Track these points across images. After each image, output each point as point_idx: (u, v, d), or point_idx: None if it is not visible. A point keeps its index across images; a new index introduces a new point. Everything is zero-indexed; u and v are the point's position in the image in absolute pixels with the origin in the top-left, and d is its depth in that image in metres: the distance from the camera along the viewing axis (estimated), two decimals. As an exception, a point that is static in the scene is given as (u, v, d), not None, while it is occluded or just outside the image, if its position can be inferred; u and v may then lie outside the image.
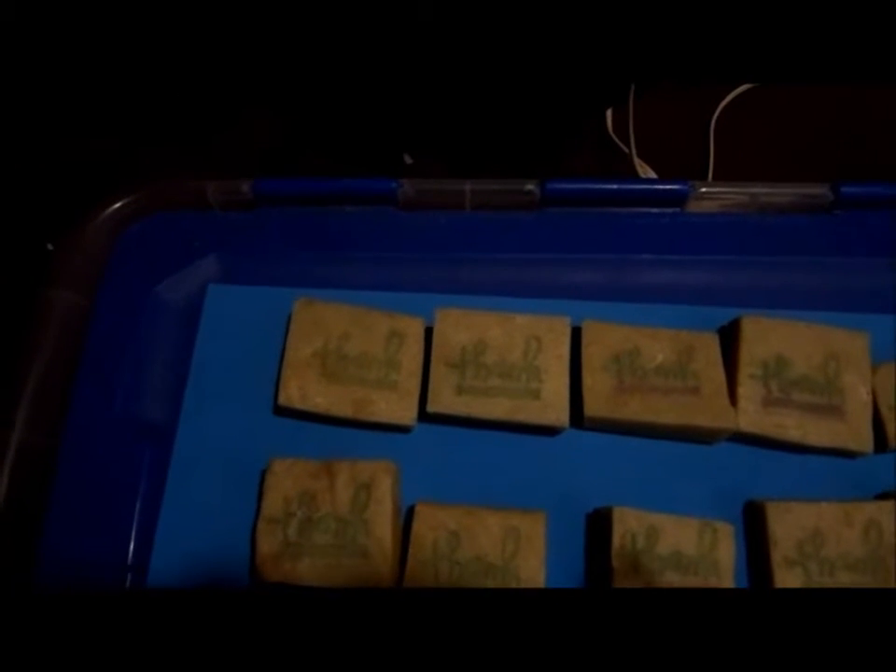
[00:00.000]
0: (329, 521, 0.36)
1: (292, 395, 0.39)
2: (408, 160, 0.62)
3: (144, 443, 0.39)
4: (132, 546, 0.37)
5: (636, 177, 0.63)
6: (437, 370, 0.39)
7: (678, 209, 0.44)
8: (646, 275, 0.43)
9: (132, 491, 0.38)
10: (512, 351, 0.39)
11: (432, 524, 0.36)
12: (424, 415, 0.39)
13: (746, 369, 0.39)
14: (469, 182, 0.44)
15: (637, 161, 0.64)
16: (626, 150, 0.65)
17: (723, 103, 0.67)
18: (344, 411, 0.38)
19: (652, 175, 0.65)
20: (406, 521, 0.37)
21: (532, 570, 0.35)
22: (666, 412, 0.38)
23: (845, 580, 0.35)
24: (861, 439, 0.38)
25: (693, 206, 0.44)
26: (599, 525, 0.37)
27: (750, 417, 0.38)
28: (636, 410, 0.38)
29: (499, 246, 0.43)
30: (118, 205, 0.44)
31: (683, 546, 0.35)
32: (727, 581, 0.35)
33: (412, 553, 0.36)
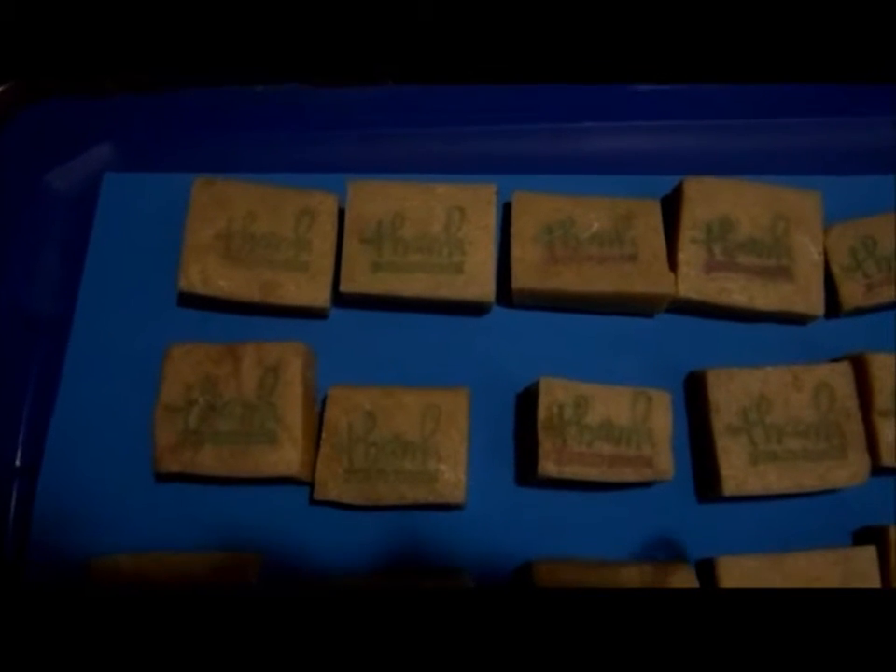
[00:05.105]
0: (235, 407, 0.35)
1: (193, 280, 0.37)
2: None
3: (35, 337, 0.39)
4: (20, 448, 0.37)
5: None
6: (350, 246, 0.38)
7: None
8: (583, 145, 0.42)
9: (19, 388, 0.37)
10: (433, 223, 0.38)
11: (346, 406, 0.35)
12: (339, 299, 0.38)
13: (687, 233, 0.38)
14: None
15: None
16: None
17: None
18: (251, 294, 0.37)
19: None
20: (322, 409, 0.37)
21: (453, 446, 0.34)
22: (601, 280, 0.37)
23: (794, 447, 0.35)
24: (812, 301, 0.37)
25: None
26: (528, 402, 0.36)
27: (691, 283, 0.37)
28: (568, 280, 0.37)
29: (419, 119, 0.42)
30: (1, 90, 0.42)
31: (614, 415, 0.34)
32: (663, 452, 0.34)
33: (324, 437, 0.35)
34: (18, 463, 0.37)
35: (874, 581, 0.34)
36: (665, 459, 0.34)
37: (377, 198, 0.38)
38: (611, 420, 0.34)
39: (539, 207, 0.38)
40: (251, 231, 0.38)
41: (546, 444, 0.34)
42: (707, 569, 0.34)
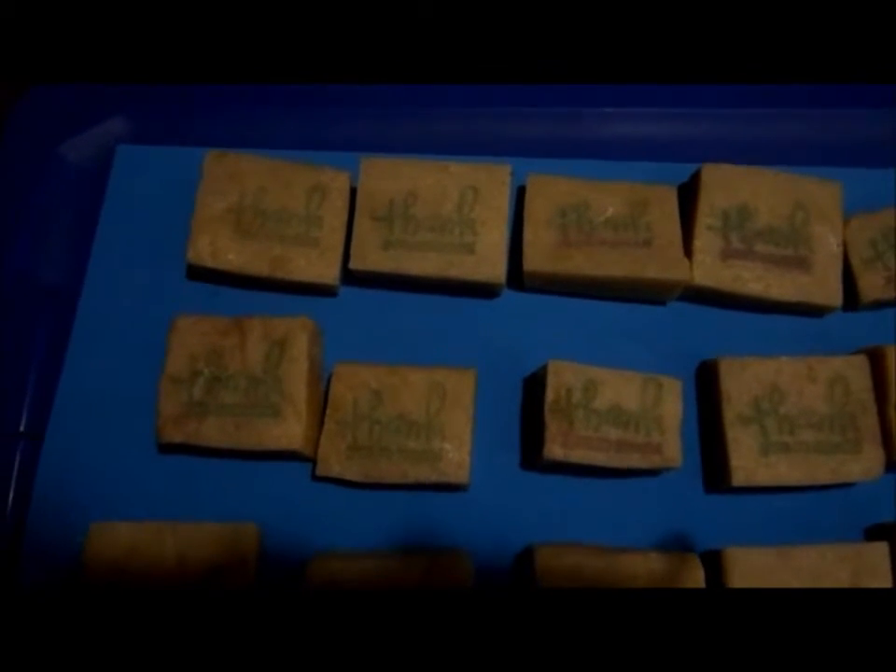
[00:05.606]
0: (239, 379, 0.35)
1: (202, 252, 0.37)
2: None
3: (43, 306, 0.39)
4: (25, 414, 0.37)
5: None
6: (361, 223, 0.37)
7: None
8: (601, 130, 0.42)
9: (27, 354, 0.38)
10: (446, 203, 0.38)
11: (352, 383, 0.35)
12: (349, 277, 0.38)
13: (704, 220, 0.37)
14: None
15: None
16: None
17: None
18: (260, 269, 0.37)
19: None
20: (327, 386, 0.36)
21: (458, 425, 0.34)
22: (613, 264, 0.36)
23: (807, 439, 0.34)
24: (830, 292, 0.37)
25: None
26: (536, 386, 0.36)
27: (706, 270, 0.37)
28: (580, 263, 0.37)
29: (434, 101, 0.42)
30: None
31: (624, 401, 0.34)
32: (672, 439, 0.34)
33: (329, 413, 0.35)
34: (22, 429, 0.37)
35: (885, 580, 0.33)
36: (673, 446, 0.34)
37: (390, 176, 0.38)
38: (620, 405, 0.34)
39: (554, 190, 0.38)
40: (262, 205, 0.38)
41: (553, 427, 0.33)
42: (713, 560, 0.34)
